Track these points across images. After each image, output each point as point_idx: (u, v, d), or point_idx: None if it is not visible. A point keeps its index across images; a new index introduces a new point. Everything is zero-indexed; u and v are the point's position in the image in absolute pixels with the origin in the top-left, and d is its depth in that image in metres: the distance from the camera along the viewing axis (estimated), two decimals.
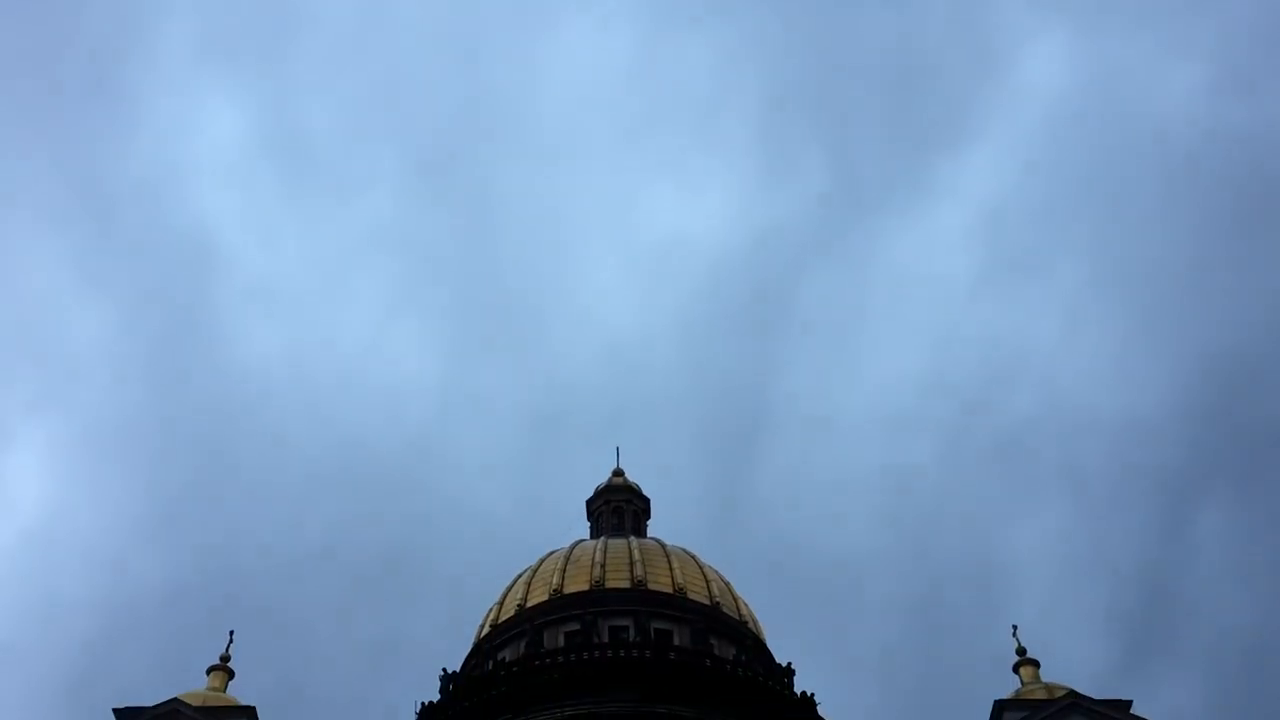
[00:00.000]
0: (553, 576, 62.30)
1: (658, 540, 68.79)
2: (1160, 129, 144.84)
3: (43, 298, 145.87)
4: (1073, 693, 38.10)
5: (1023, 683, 40.63)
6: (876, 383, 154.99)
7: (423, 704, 57.16)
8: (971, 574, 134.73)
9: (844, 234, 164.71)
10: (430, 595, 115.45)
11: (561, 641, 58.14)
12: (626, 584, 61.04)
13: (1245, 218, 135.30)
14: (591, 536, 71.64)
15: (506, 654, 59.15)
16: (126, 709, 36.87)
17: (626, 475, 78.51)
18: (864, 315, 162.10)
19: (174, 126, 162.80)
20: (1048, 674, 41.08)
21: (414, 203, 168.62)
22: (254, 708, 38.46)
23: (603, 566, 62.28)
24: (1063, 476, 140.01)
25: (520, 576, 65.03)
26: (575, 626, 58.37)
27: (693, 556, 66.05)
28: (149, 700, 37.48)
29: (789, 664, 60.33)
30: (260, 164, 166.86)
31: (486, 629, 62.61)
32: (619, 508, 75.37)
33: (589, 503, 77.01)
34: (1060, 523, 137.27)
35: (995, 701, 39.03)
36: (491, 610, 63.99)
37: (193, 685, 39.49)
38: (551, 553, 66.22)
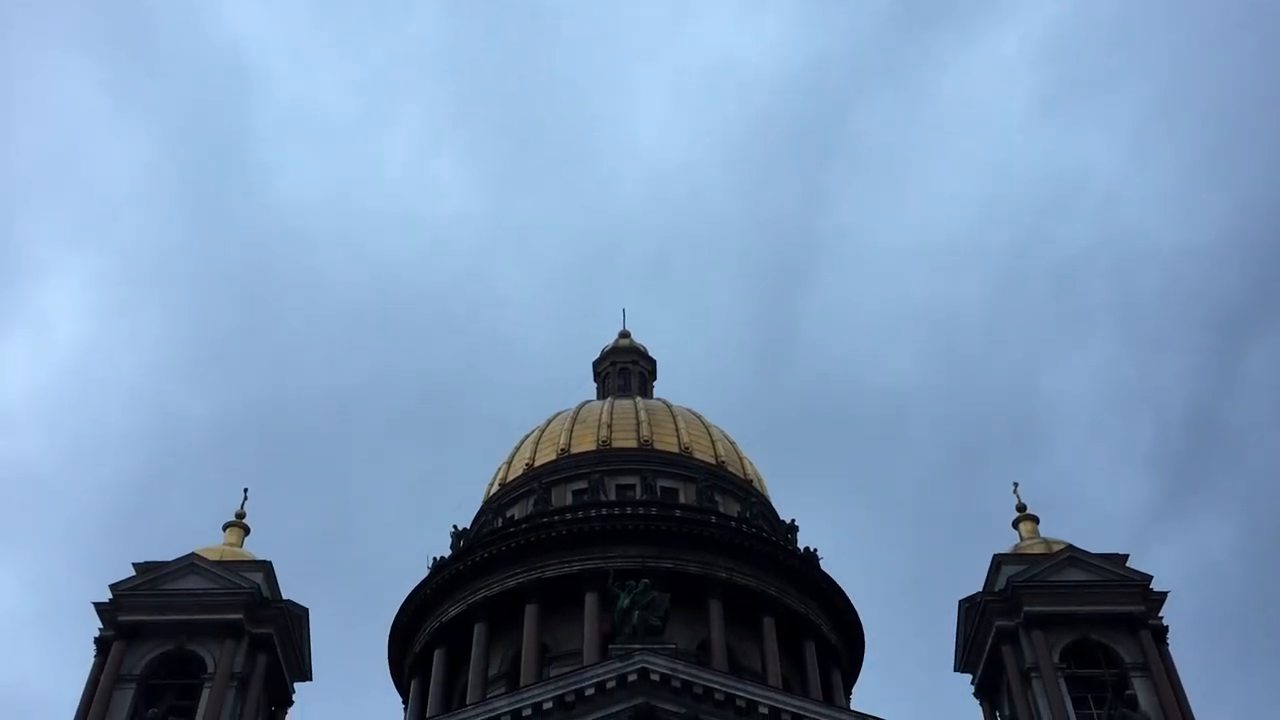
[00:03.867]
0: (560, 436, 63.10)
1: (664, 401, 69.47)
2: None
3: (77, 126, 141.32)
4: (1070, 547, 38.75)
5: (1021, 538, 41.35)
6: (928, 215, 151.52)
7: (435, 558, 58.58)
8: (1013, 414, 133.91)
9: (901, 58, 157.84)
10: (473, 435, 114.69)
11: (569, 500, 59.19)
12: (633, 443, 61.83)
13: None
14: (598, 398, 72.32)
15: (515, 511, 60.27)
16: (146, 563, 37.75)
17: (633, 337, 78.90)
18: (918, 145, 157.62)
19: None
20: (1047, 530, 41.77)
21: (458, 26, 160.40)
22: (269, 563, 39.23)
23: (609, 427, 63.04)
24: (1114, 310, 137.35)
25: (528, 436, 65.89)
26: (582, 485, 59.37)
27: (698, 416, 66.75)
28: (171, 554, 38.34)
29: (793, 520, 61.49)
30: None
31: (496, 487, 63.70)
32: (625, 369, 75.92)
33: (595, 364, 77.52)
34: (1108, 358, 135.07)
35: (994, 556, 39.72)
36: (500, 469, 65.01)
37: (210, 540, 40.40)
38: (559, 413, 66.95)
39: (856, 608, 58.50)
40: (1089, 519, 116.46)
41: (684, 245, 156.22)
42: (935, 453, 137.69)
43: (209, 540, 40.74)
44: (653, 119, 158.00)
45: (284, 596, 38.81)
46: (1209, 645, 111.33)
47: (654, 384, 76.47)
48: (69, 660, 35.98)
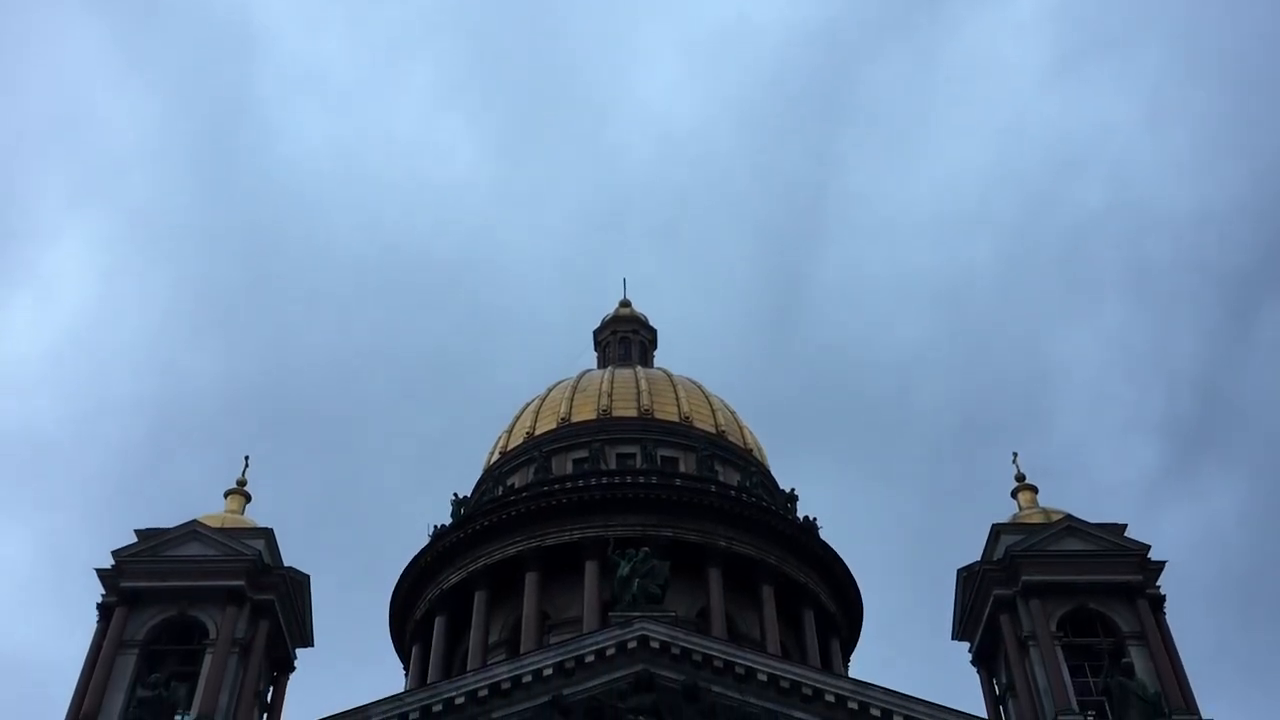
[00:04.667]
0: (561, 405, 63.20)
1: (664, 370, 69.52)
2: None
3: (82, 85, 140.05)
4: (1069, 517, 38.85)
5: (1020, 508, 41.44)
6: (938, 179, 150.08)
7: (435, 527, 58.80)
8: (1021, 382, 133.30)
9: (913, 19, 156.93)
10: (478, 402, 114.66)
11: (570, 468, 59.33)
12: (633, 413, 61.93)
13: None
14: (599, 367, 72.36)
15: (516, 480, 60.43)
16: (148, 530, 37.87)
17: (634, 306, 78.81)
18: (930, 108, 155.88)
19: None
20: (1047, 499, 41.87)
21: None
22: (271, 530, 39.36)
23: (610, 396, 63.13)
24: (1126, 276, 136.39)
25: (529, 405, 65.98)
26: (583, 454, 59.50)
27: (699, 386, 66.82)
28: (176, 519, 38.45)
29: (792, 490, 61.72)
30: None
31: (496, 456, 63.84)
32: (626, 338, 75.92)
33: (596, 333, 77.50)
34: (1119, 325, 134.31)
35: (992, 525, 39.84)
36: (501, 437, 65.14)
37: (212, 507, 40.51)
38: (560, 382, 67.02)
39: (855, 577, 58.85)
40: (1096, 487, 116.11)
41: (693, 210, 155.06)
42: (941, 421, 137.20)
43: (210, 507, 40.87)
44: (662, 81, 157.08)
45: (285, 563, 38.99)
46: (1215, 610, 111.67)
47: (654, 353, 76.47)
48: (76, 623, 36.37)
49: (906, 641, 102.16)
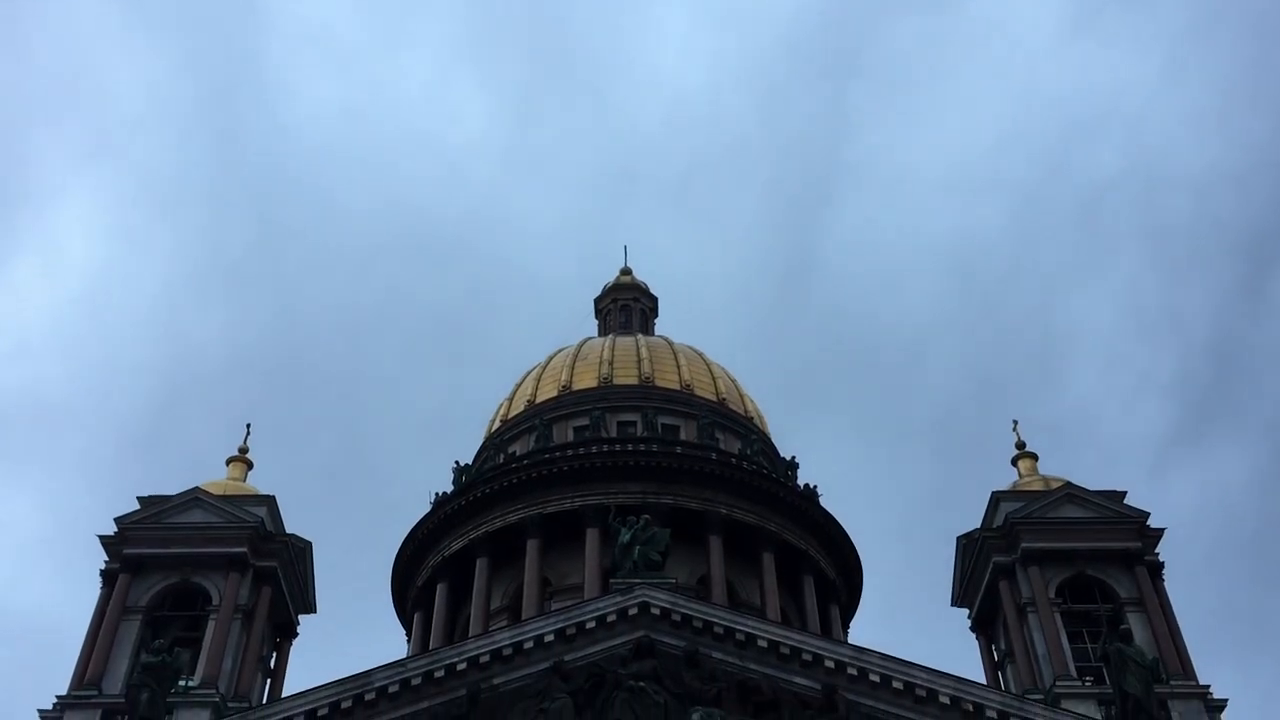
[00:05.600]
0: (562, 373, 63.22)
1: (665, 338, 69.49)
2: None
3: (88, 44, 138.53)
4: (1068, 484, 38.95)
5: (1020, 475, 41.56)
6: (952, 139, 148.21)
7: (437, 494, 58.98)
8: (1032, 344, 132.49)
9: None
10: (485, 367, 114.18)
11: (570, 436, 59.42)
12: (634, 380, 61.96)
13: None
14: (600, 335, 72.32)
15: (517, 448, 60.54)
16: (150, 497, 37.99)
17: (634, 274, 78.63)
18: (943, 66, 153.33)
19: None
20: (1049, 467, 41.98)
21: None
22: (273, 497, 39.50)
23: (611, 364, 63.13)
24: (1140, 235, 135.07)
25: (530, 373, 66.01)
26: (584, 422, 59.57)
27: (700, 354, 66.83)
28: (182, 484, 38.58)
29: (793, 458, 61.84)
30: None
31: (497, 424, 63.93)
32: (627, 306, 75.79)
33: (597, 301, 77.35)
34: (1132, 285, 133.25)
35: (992, 493, 39.96)
36: (502, 406, 65.19)
37: (215, 474, 40.62)
38: (560, 349, 67.00)
39: (855, 544, 59.08)
40: (1105, 449, 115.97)
41: (703, 171, 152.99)
42: (951, 385, 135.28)
43: (213, 474, 41.00)
44: (673, 41, 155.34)
45: (288, 530, 39.15)
46: (1223, 572, 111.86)
47: (655, 321, 76.38)
48: (83, 587, 36.49)
49: (907, 607, 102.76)
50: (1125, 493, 39.05)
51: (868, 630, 62.62)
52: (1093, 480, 39.15)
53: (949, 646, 69.30)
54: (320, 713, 27.87)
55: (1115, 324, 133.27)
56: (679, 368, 63.50)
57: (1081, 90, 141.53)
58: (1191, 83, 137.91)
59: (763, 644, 29.25)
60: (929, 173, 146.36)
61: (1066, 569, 37.35)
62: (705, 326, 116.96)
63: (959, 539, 40.12)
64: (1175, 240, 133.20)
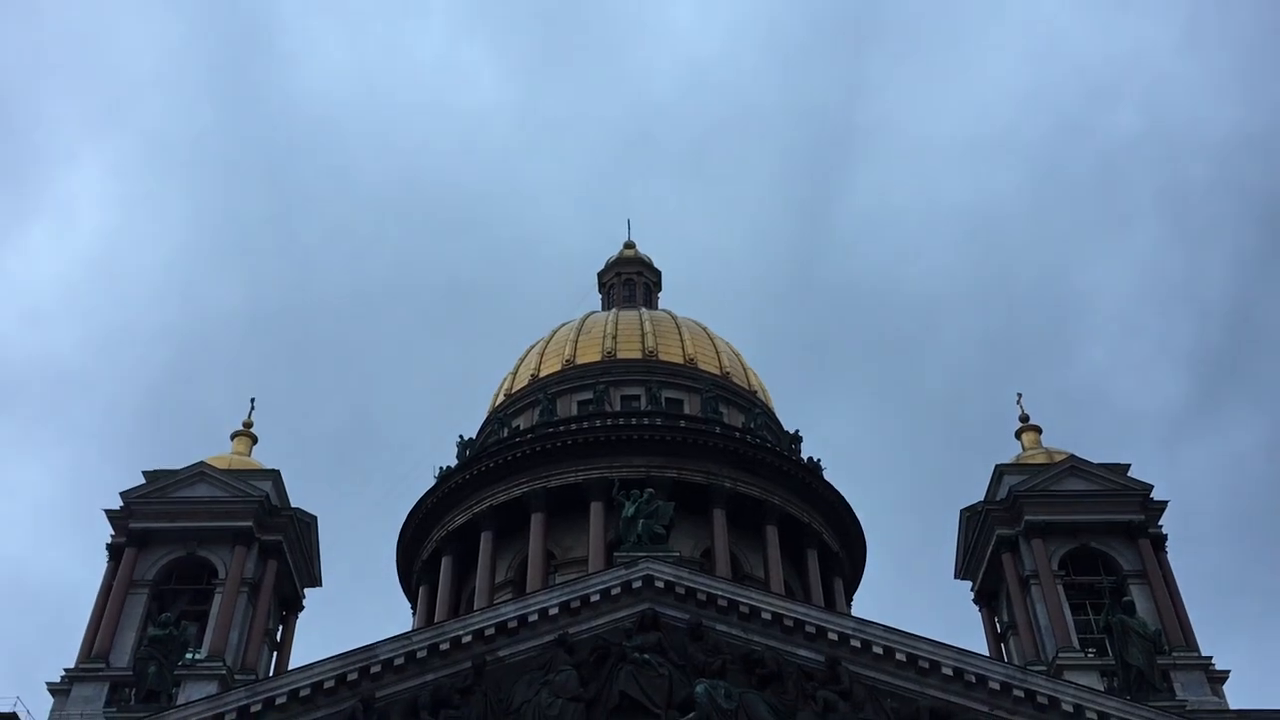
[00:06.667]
0: (565, 347, 63.22)
1: (669, 312, 69.44)
2: None
3: (99, 7, 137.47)
4: (1072, 457, 38.98)
5: (1024, 448, 41.58)
6: (969, 104, 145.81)
7: (441, 468, 59.10)
8: (1048, 313, 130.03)
9: None
10: (497, 339, 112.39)
11: (574, 410, 59.45)
12: (638, 354, 61.96)
13: None
14: (603, 309, 72.27)
15: (521, 422, 60.58)
16: (156, 471, 38.09)
17: (638, 248, 78.46)
18: (961, 28, 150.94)
19: None
20: (1055, 438, 42.02)
21: None
22: (278, 471, 39.63)
23: (614, 338, 63.10)
24: (1160, 202, 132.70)
25: (533, 347, 66.01)
26: (588, 396, 59.58)
27: (703, 328, 66.79)
28: (191, 457, 38.70)
29: (796, 431, 61.92)
30: None
31: (501, 398, 63.98)
32: (630, 280, 75.63)
33: (600, 275, 77.18)
34: (1151, 252, 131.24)
35: (996, 466, 39.99)
36: (506, 379, 65.23)
37: (220, 448, 40.70)
38: (564, 324, 66.96)
39: (860, 516, 59.22)
40: (1120, 418, 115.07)
41: (719, 137, 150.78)
42: (964, 356, 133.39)
43: (219, 448, 41.09)
44: (688, 4, 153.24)
45: (294, 504, 39.28)
46: (1235, 541, 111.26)
47: (659, 295, 76.23)
48: (96, 554, 36.49)
49: (911, 580, 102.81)
50: (1129, 465, 39.09)
51: (872, 603, 62.74)
52: (1104, 452, 39.23)
53: (953, 619, 69.61)
54: (326, 685, 27.99)
55: (1132, 292, 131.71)
56: (682, 342, 63.48)
57: (1101, 53, 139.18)
58: (1213, 45, 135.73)
59: (766, 616, 29.34)
60: (946, 138, 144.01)
61: (1070, 541, 37.45)
62: (715, 298, 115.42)
63: (962, 512, 40.22)
64: (1194, 207, 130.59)
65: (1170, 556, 37.42)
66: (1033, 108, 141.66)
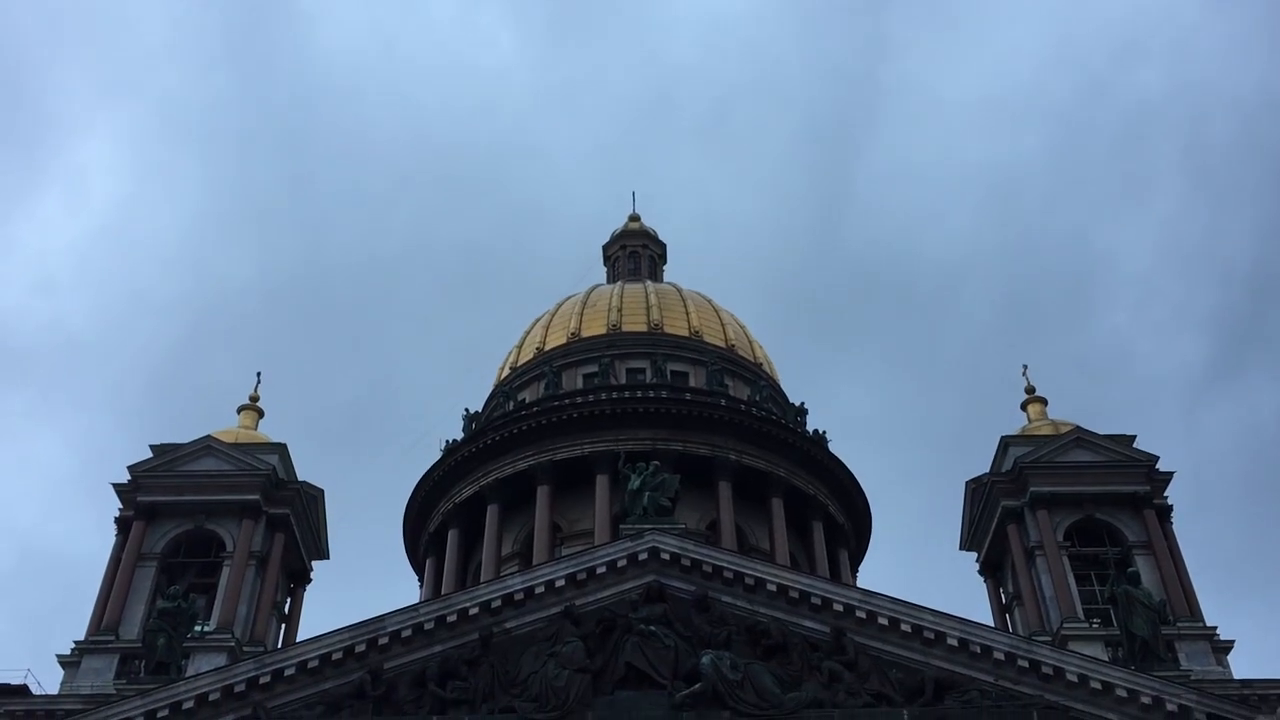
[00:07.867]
0: (570, 320, 63.18)
1: (674, 285, 69.32)
2: None
3: None
4: (1077, 428, 38.96)
5: (1029, 420, 41.58)
6: (991, 64, 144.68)
7: (447, 441, 59.19)
8: (1069, 276, 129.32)
9: None
10: (508, 311, 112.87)
11: (580, 383, 59.51)
12: (643, 327, 61.93)
13: None
14: (608, 282, 72.17)
15: (526, 395, 60.63)
16: (163, 445, 38.21)
17: (643, 221, 78.26)
18: None
19: None
20: (1063, 409, 42.00)
21: None
22: (284, 445, 39.73)
23: (619, 311, 63.05)
24: (1183, 163, 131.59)
25: (538, 320, 65.98)
26: (593, 369, 59.61)
27: (709, 300, 66.70)
28: (203, 428, 38.81)
29: (802, 404, 61.90)
30: None
31: (506, 371, 64.02)
32: (635, 253, 75.52)
33: (605, 248, 77.07)
34: (1174, 214, 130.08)
35: (1001, 437, 39.98)
36: (511, 353, 65.25)
37: (227, 422, 40.80)
38: (569, 297, 66.90)
39: (866, 488, 59.29)
40: (1138, 384, 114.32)
41: (739, 99, 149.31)
42: (983, 323, 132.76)
43: (227, 421, 41.18)
44: None
45: (301, 478, 39.39)
46: (1248, 506, 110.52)
47: (664, 268, 76.10)
48: (109, 526, 36.61)
49: (916, 551, 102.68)
50: (1134, 436, 39.07)
51: (878, 574, 62.82)
52: (1120, 419, 39.46)
53: (958, 590, 69.73)
54: (334, 656, 28.14)
55: (1153, 255, 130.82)
56: (688, 314, 63.41)
57: (1124, 12, 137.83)
58: (1237, 3, 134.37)
59: (772, 588, 29.41)
60: (968, 99, 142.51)
61: (1075, 513, 37.49)
62: (730, 266, 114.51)
63: (967, 483, 40.25)
64: (1218, 168, 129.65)
65: (1180, 526, 37.57)
66: (1056, 67, 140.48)
